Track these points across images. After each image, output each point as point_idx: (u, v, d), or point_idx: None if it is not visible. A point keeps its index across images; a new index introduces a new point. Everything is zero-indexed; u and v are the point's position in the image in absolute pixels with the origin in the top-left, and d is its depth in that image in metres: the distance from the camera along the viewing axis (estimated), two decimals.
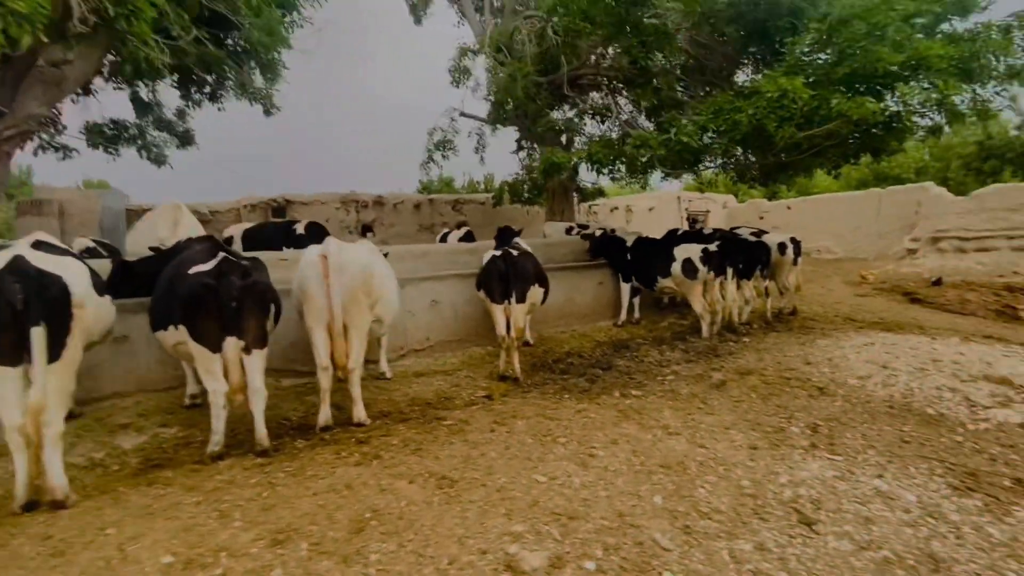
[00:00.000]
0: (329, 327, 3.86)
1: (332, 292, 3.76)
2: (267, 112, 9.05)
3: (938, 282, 10.29)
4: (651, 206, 19.76)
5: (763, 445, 3.25)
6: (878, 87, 5.25)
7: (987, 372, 4.29)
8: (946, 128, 6.62)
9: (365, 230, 13.52)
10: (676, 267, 6.75)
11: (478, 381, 5.16)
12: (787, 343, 5.80)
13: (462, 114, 11.09)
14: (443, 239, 9.81)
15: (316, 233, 7.69)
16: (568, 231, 10.66)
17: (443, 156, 11.14)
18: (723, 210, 21.20)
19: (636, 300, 7.84)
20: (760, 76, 5.56)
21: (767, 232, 8.29)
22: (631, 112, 10.02)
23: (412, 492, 2.87)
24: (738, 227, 8.92)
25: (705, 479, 2.88)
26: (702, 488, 2.78)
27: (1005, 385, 4.00)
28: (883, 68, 4.70)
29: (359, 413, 4.01)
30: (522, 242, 6.40)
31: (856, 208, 15.47)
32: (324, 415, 3.95)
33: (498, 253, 5.23)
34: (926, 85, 5.13)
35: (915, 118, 5.79)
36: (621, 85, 6.74)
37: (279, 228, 8.22)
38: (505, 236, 7.11)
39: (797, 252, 7.68)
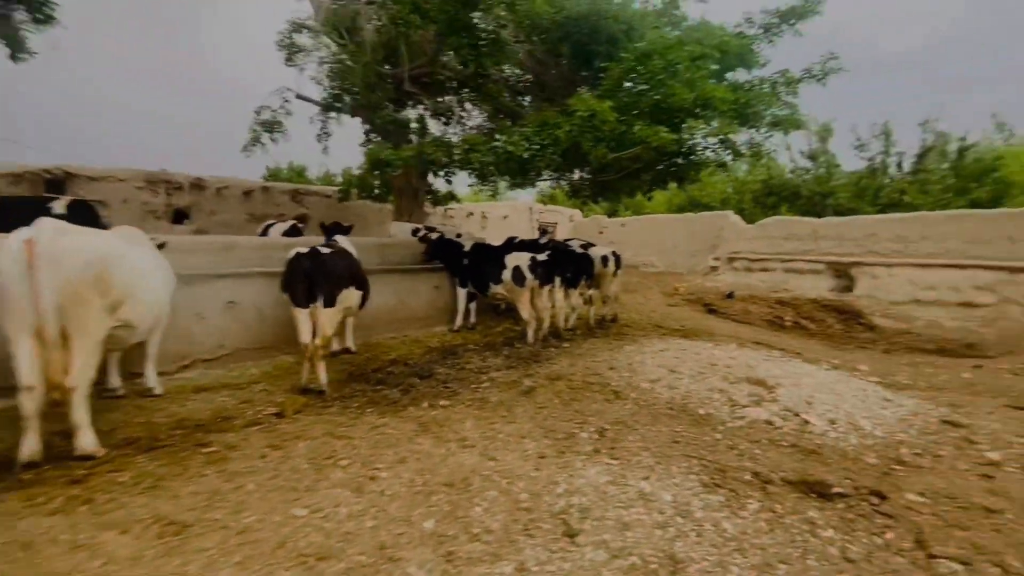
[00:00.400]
0: (39, 334, 2.95)
1: (40, 289, 2.88)
2: (14, 57, 7.10)
3: (731, 295, 12.10)
4: (505, 214, 20.32)
5: (551, 453, 3.25)
6: (675, 120, 5.90)
7: (749, 374, 4.95)
8: (730, 162, 7.76)
9: (179, 217, 11.54)
10: (507, 274, 6.80)
11: (275, 396, 4.51)
12: (600, 349, 6.15)
13: (298, 96, 10.05)
14: (264, 232, 8.71)
15: (82, 214, 6.17)
16: (415, 233, 10.27)
17: (272, 139, 9.96)
18: (570, 223, 22.71)
19: (472, 305, 7.77)
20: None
21: (594, 245, 8.89)
22: (483, 118, 10.05)
23: (119, 546, 2.24)
24: (570, 239, 9.42)
25: (486, 495, 2.74)
26: (479, 506, 2.63)
27: (760, 386, 4.64)
28: (678, 103, 5.31)
29: (84, 442, 3.14)
30: (344, 240, 5.86)
31: (674, 229, 17.66)
32: (28, 448, 2.99)
33: (304, 250, 4.65)
34: (712, 124, 5.93)
35: (707, 152, 6.70)
36: (461, 88, 6.64)
37: (26, 204, 6.43)
38: (332, 232, 6.49)
39: (618, 265, 8.32)
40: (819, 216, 13.82)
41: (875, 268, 11.74)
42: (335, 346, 5.96)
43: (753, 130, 6.49)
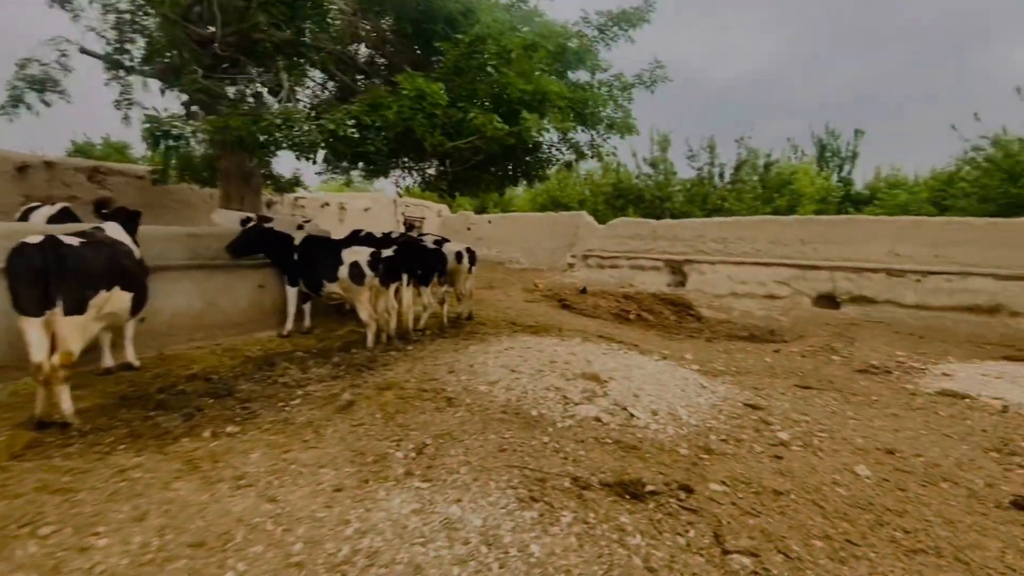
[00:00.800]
0: None
1: None
2: None
3: (584, 291, 12.64)
4: (367, 207, 19.09)
5: (351, 483, 2.75)
6: (514, 111, 5.77)
7: (586, 369, 4.97)
8: (574, 162, 7.97)
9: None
10: (343, 271, 6.09)
11: None
12: (445, 350, 5.78)
13: (81, 50, 8.07)
14: (24, 217, 6.77)
15: None
16: (244, 222, 8.90)
17: (43, 101, 7.87)
18: (438, 218, 22.20)
19: (307, 306, 6.88)
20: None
21: (448, 241, 8.53)
22: (328, 94, 8.99)
23: None
24: (424, 234, 8.96)
25: (247, 553, 2.14)
26: (232, 571, 2.04)
27: (594, 381, 4.65)
28: (515, 94, 5.18)
29: None
30: (115, 228, 4.64)
31: (538, 227, 18.16)
32: None
33: (34, 240, 3.49)
34: (546, 120, 5.92)
35: (553, 151, 6.75)
36: (276, 55, 5.73)
37: None
38: (114, 216, 5.12)
39: (472, 261, 8.06)
40: (659, 218, 15.18)
41: (702, 265, 13.19)
42: (109, 362, 4.74)
43: (594, 132, 6.67)
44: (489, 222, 20.16)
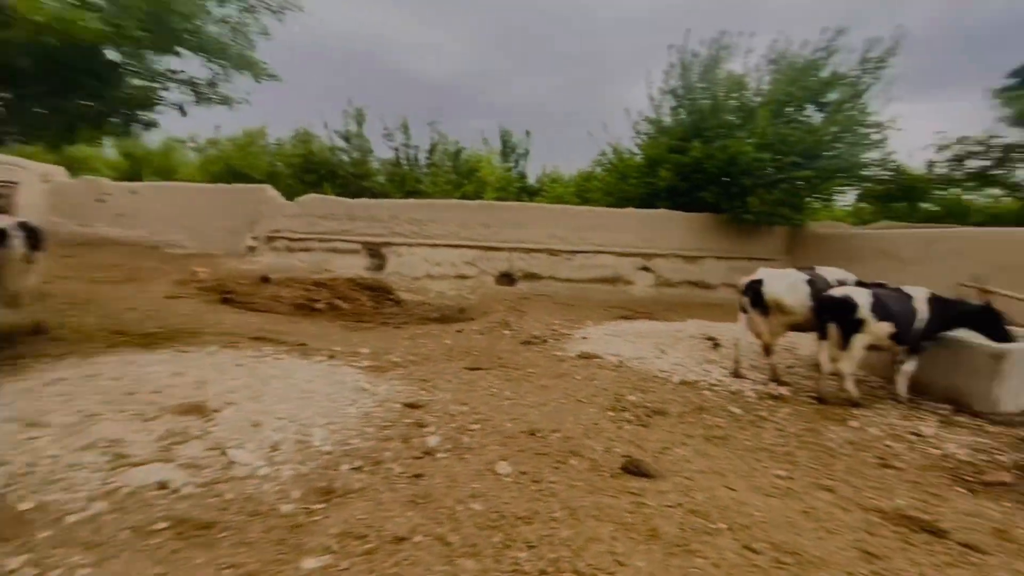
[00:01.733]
0: None
1: None
2: None
3: (266, 279, 10.60)
4: None
5: None
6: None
7: (189, 398, 3.51)
8: (187, 105, 6.06)
9: None
10: None
11: None
12: None
13: None
14: None
15: None
16: None
17: None
18: (43, 184, 15.56)
19: None
20: None
21: None
22: None
23: None
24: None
25: None
26: None
27: (195, 415, 3.26)
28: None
29: None
30: None
31: (210, 202, 14.63)
32: None
33: None
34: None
35: (153, 82, 4.81)
36: None
37: None
38: None
39: (35, 244, 5.28)
40: (356, 197, 14.09)
41: (400, 248, 12.83)
42: None
43: (212, 65, 5.03)
44: (134, 192, 15.26)
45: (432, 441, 3.26)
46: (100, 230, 15.34)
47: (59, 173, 16.22)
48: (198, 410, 3.26)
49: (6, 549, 1.95)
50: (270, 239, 13.42)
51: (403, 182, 15.33)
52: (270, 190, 13.99)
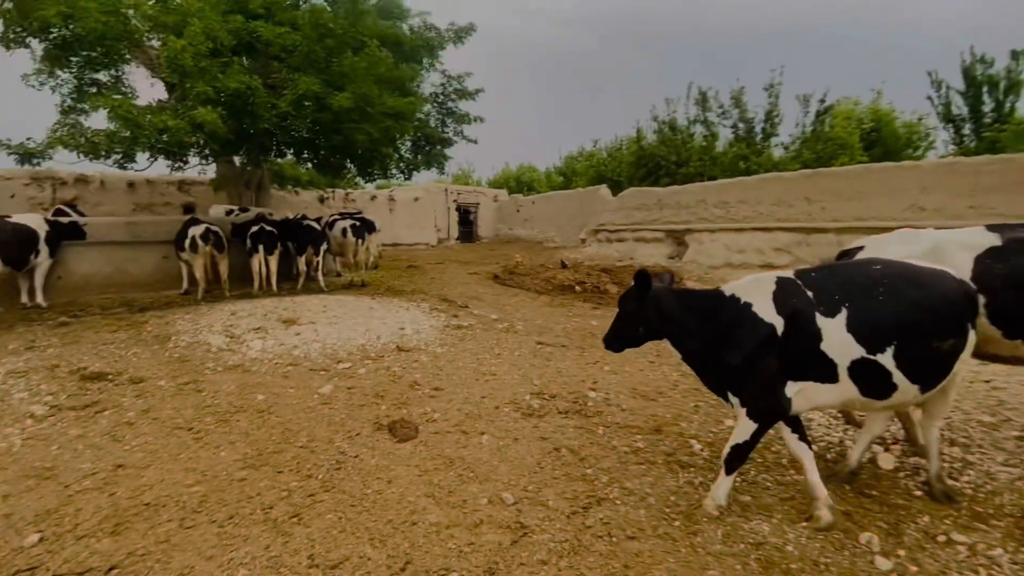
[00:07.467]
0: None
1: None
2: None
3: (564, 265, 12.14)
4: (416, 197, 20.66)
5: None
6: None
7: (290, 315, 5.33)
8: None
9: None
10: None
11: None
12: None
13: None
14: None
15: None
16: (228, 213, 10.88)
17: None
18: (494, 203, 22.94)
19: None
20: None
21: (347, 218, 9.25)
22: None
23: None
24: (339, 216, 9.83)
25: None
26: None
27: (290, 324, 5.02)
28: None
29: None
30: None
31: (569, 204, 17.67)
32: None
33: None
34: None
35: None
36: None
37: None
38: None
39: (358, 235, 8.59)
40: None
41: (701, 234, 11.61)
42: None
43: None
44: (533, 203, 20.26)
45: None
46: (516, 231, 21.22)
47: (503, 195, 23.54)
48: (291, 322, 5.03)
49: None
50: (595, 232, 14.97)
51: (743, 159, 13.53)
52: (603, 189, 15.55)
